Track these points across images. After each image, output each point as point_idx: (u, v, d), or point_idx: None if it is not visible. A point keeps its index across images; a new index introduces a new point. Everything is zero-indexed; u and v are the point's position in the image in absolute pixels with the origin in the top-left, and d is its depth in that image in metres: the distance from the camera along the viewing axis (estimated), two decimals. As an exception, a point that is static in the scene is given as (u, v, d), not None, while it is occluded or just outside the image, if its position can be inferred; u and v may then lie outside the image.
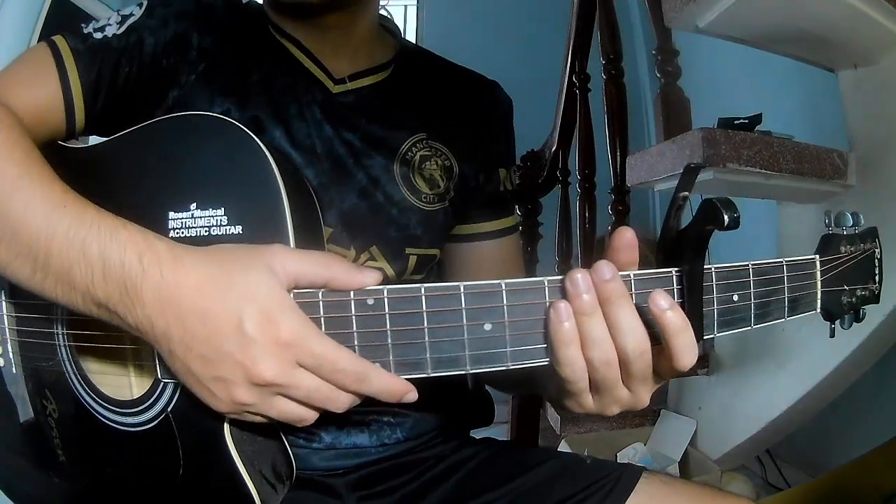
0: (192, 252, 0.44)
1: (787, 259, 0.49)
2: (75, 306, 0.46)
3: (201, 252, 0.44)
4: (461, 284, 0.43)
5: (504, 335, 0.44)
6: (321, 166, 0.65)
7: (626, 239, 0.44)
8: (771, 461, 1.90)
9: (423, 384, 0.71)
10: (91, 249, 0.43)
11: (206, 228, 0.48)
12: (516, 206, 0.82)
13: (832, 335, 0.55)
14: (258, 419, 0.45)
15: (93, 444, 0.57)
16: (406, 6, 3.71)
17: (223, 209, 0.48)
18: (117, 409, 0.54)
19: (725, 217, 0.41)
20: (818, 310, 0.52)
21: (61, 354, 0.57)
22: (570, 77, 2.02)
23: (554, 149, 2.07)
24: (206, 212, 0.48)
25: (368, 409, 0.69)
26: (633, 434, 1.86)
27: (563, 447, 1.75)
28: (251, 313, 0.41)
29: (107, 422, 0.55)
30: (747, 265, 0.47)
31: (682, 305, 0.43)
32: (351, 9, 0.66)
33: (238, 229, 0.48)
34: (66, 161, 0.57)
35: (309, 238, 0.50)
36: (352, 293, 0.44)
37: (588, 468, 0.68)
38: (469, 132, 0.74)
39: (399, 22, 3.77)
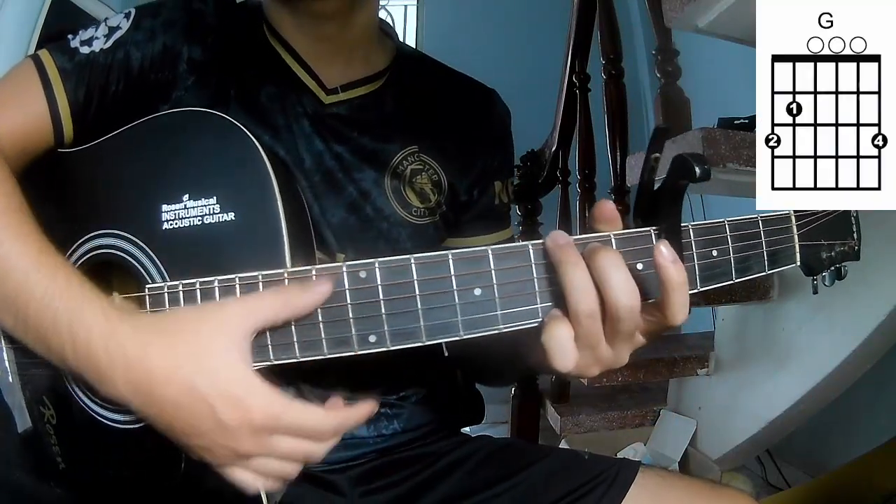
0: (159, 336, 0.44)
1: (762, 214, 0.51)
2: (56, 365, 0.47)
3: (167, 337, 0.44)
4: (449, 252, 0.45)
5: (494, 299, 0.45)
6: (311, 180, 0.65)
7: (608, 211, 0.46)
8: (771, 461, 1.89)
9: (417, 379, 0.72)
10: (61, 324, 0.45)
11: (200, 218, 0.50)
12: (511, 218, 0.81)
13: (815, 291, 0.56)
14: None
15: (92, 445, 0.56)
16: (406, 6, 3.72)
17: (215, 198, 0.49)
18: (114, 406, 0.54)
19: (697, 169, 0.42)
20: (798, 263, 0.53)
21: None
22: (570, 77, 2.01)
23: (554, 149, 2.07)
24: (199, 202, 0.50)
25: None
26: (633, 434, 1.86)
27: (563, 447, 1.75)
28: (221, 403, 0.43)
29: (105, 421, 0.54)
30: (723, 222, 0.49)
31: None
32: None
33: (230, 216, 0.50)
34: (59, 162, 0.58)
35: (297, 217, 0.52)
36: (344, 266, 0.45)
37: (586, 464, 0.68)
38: (463, 144, 0.73)
39: (399, 22, 3.78)
